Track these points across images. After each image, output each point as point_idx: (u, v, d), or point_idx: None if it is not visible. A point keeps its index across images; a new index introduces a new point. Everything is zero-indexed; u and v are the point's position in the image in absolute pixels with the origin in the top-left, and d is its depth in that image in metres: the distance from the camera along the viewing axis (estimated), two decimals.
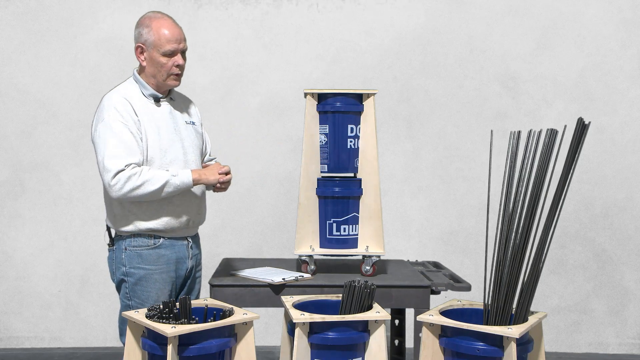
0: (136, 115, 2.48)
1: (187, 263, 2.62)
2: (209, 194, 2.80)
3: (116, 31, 4.19)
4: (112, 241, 2.59)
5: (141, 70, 2.58)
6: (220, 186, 2.61)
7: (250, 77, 4.29)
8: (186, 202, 2.57)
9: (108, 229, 2.61)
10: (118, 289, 2.60)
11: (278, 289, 2.53)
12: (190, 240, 2.64)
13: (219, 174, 2.57)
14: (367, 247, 2.69)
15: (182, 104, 2.71)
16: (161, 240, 2.54)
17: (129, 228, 2.51)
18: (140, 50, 2.53)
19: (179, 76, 2.56)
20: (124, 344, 2.57)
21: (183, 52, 2.55)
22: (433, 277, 2.70)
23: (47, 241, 4.27)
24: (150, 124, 2.51)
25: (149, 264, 2.52)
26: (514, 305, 2.08)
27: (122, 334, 2.60)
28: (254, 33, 4.28)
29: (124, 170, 2.38)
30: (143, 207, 2.49)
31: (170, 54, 2.50)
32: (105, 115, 2.46)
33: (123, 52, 4.12)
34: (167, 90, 2.62)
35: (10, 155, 4.24)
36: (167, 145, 2.52)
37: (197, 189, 2.62)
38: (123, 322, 2.58)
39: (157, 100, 2.57)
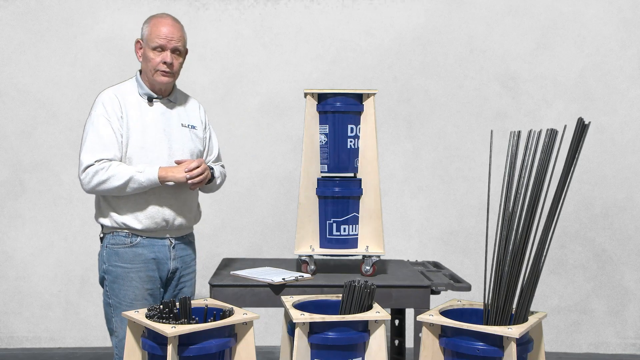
0: (122, 111, 2.50)
1: (169, 264, 2.59)
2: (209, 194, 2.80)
3: (116, 31, 4.19)
4: (102, 238, 2.61)
5: (141, 69, 2.61)
6: (193, 183, 2.52)
7: (250, 77, 4.29)
8: (162, 203, 2.54)
9: (102, 226, 2.62)
10: (102, 285, 2.62)
11: (278, 289, 2.53)
12: (173, 240, 2.61)
13: (185, 171, 2.49)
14: (367, 247, 2.69)
15: (184, 106, 2.69)
16: (139, 239, 2.53)
17: (109, 223, 2.53)
18: (139, 45, 2.59)
19: (167, 74, 2.54)
20: (112, 344, 2.58)
21: (174, 51, 2.54)
22: (433, 277, 2.70)
23: (47, 241, 4.27)
24: (137, 122, 2.52)
25: (125, 262, 2.52)
26: (514, 305, 2.08)
27: (110, 334, 2.60)
28: (254, 33, 4.28)
29: (93, 165, 2.42)
30: (121, 203, 2.50)
31: (158, 49, 2.51)
32: (93, 110, 2.52)
33: (123, 52, 4.12)
34: (166, 91, 2.62)
35: (10, 155, 4.24)
36: (150, 145, 2.51)
37: (177, 192, 2.57)
38: (109, 322, 2.59)
39: (150, 100, 2.57)
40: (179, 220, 2.60)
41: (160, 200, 2.53)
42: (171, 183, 2.51)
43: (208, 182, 2.65)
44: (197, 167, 2.51)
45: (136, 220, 2.51)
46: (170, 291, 2.64)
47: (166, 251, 2.59)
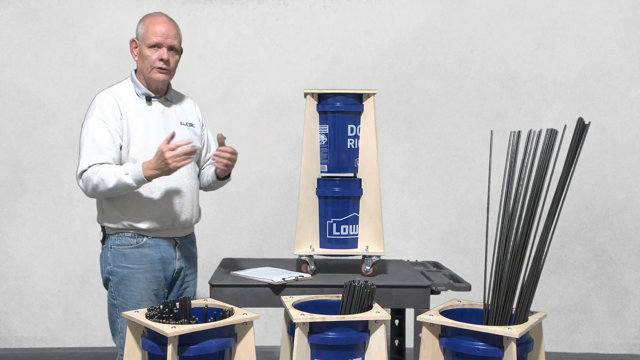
0: (121, 113, 2.49)
1: (174, 264, 2.61)
2: (209, 193, 2.79)
3: (116, 31, 4.19)
4: (104, 240, 2.61)
5: (137, 68, 2.61)
6: (180, 160, 2.33)
7: (250, 77, 4.29)
8: (170, 203, 2.55)
9: (103, 227, 2.62)
10: (105, 287, 2.61)
11: (278, 289, 2.53)
12: (178, 241, 2.62)
13: (168, 156, 2.30)
14: (367, 247, 2.69)
15: (180, 105, 2.70)
16: (145, 239, 2.53)
17: (114, 225, 2.52)
18: (134, 44, 2.59)
19: (163, 71, 2.53)
20: (116, 344, 2.58)
21: (171, 48, 2.54)
22: (433, 277, 2.70)
23: (47, 241, 4.27)
24: (137, 122, 2.52)
25: (131, 262, 2.51)
26: (514, 305, 2.08)
27: (113, 334, 2.60)
28: (254, 33, 4.28)
29: (86, 170, 2.41)
30: (126, 204, 2.50)
31: (155, 46, 2.51)
32: (89, 113, 2.52)
33: (123, 52, 4.11)
34: (162, 90, 2.62)
35: (10, 155, 4.24)
36: (152, 145, 2.49)
37: (182, 189, 2.58)
38: (113, 322, 2.58)
39: (148, 100, 2.57)
40: (184, 219, 2.60)
41: (167, 200, 2.54)
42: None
43: (225, 177, 2.73)
44: (173, 150, 2.33)
45: (143, 220, 2.51)
46: (175, 291, 2.65)
47: (172, 251, 2.59)
